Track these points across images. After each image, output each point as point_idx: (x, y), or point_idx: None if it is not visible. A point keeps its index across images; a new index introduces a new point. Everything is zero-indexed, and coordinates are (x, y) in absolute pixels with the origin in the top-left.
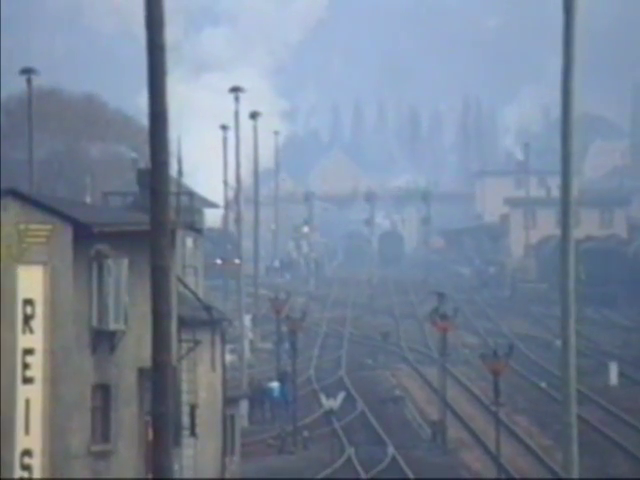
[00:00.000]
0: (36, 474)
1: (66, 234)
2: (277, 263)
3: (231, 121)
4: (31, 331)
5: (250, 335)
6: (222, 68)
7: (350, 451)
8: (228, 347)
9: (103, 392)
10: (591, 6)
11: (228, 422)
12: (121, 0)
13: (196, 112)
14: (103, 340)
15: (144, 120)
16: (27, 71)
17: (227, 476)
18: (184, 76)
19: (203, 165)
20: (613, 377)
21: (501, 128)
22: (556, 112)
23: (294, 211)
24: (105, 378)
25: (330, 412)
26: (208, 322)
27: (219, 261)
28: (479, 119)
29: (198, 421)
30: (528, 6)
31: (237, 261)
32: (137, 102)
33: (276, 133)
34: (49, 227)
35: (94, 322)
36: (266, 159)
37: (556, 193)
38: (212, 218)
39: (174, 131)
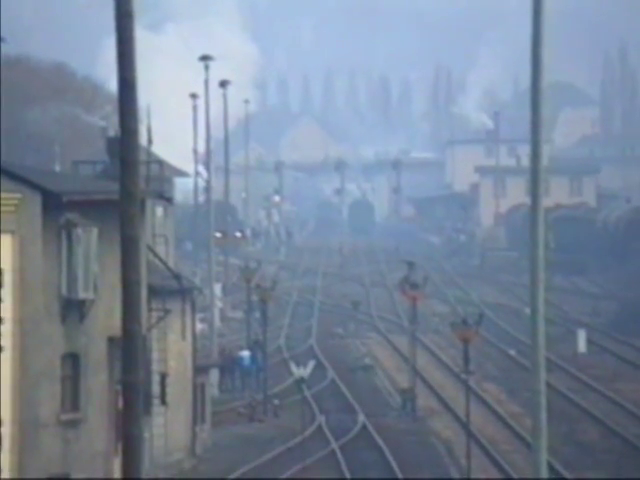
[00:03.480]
0: (5, 443)
1: (35, 203)
2: (248, 232)
3: (200, 74)
4: (0, 300)
5: (220, 304)
6: (191, 20)
7: (320, 419)
8: (198, 316)
9: (73, 361)
10: None
11: (198, 391)
12: None
13: (163, 74)
14: (72, 309)
15: (113, 88)
16: None
17: (198, 444)
18: (150, 24)
19: (172, 132)
20: (581, 344)
21: (469, 95)
22: (525, 81)
23: (264, 180)
24: (75, 347)
25: (300, 380)
26: (178, 291)
27: (218, 234)
28: (449, 87)
29: (168, 390)
30: None
31: (238, 234)
32: (98, 70)
33: (246, 102)
34: (18, 196)
35: (63, 291)
36: (236, 128)
37: (526, 162)
38: (182, 187)
39: (144, 98)
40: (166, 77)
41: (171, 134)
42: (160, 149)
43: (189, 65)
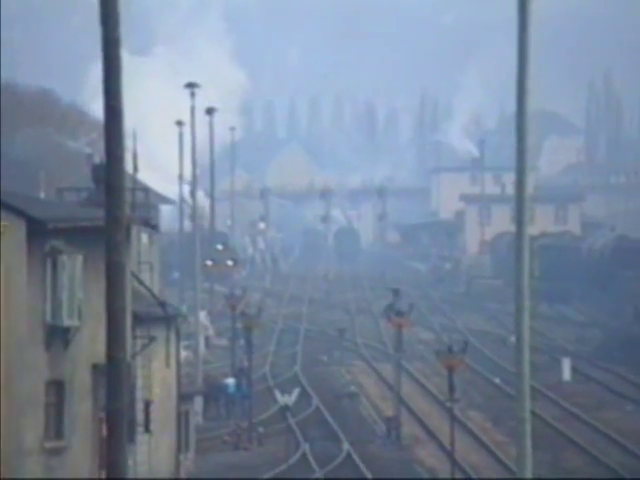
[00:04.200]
0: None
1: (20, 230)
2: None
3: (187, 99)
4: None
5: (211, 331)
6: (179, 43)
7: (305, 447)
8: (183, 343)
9: (57, 388)
10: (547, 4)
11: (183, 418)
12: None
13: (150, 98)
14: (57, 336)
15: (98, 114)
16: None
17: (182, 472)
18: (139, 47)
19: (158, 158)
20: (566, 373)
21: (454, 122)
22: (511, 106)
23: (250, 207)
24: (59, 374)
25: (285, 408)
26: (163, 318)
27: (209, 262)
28: (435, 114)
29: (152, 417)
30: (483, 2)
31: (230, 263)
32: (83, 95)
33: (232, 129)
34: (3, 223)
35: (48, 318)
36: (221, 154)
37: (511, 190)
38: (167, 214)
39: (130, 124)
40: (153, 101)
41: (157, 160)
42: (146, 175)
43: (176, 89)
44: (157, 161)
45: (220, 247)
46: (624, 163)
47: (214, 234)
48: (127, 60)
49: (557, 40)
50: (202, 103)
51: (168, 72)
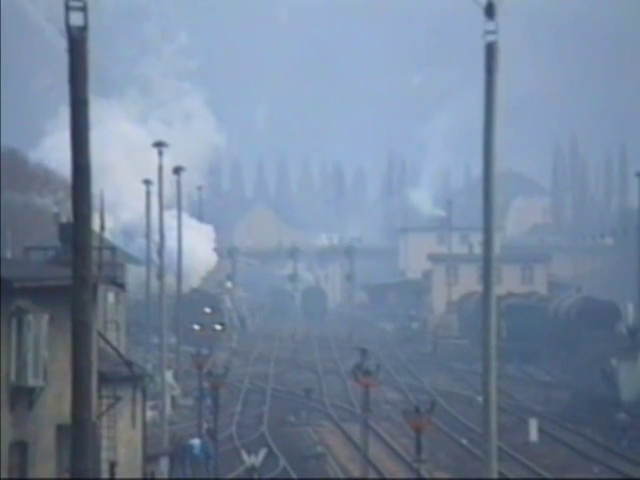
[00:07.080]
0: None
1: None
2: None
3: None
4: None
5: (178, 391)
6: (148, 89)
7: None
8: (149, 403)
9: (21, 449)
10: (513, 66)
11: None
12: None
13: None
14: (21, 396)
15: (65, 173)
16: None
17: None
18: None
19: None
20: (533, 434)
21: (422, 184)
22: (477, 168)
23: (217, 266)
24: (23, 435)
25: (252, 469)
26: (129, 378)
27: (196, 327)
28: (403, 175)
29: (118, 478)
30: (451, 64)
31: (218, 327)
32: (38, 154)
33: (199, 188)
34: None
35: (12, 378)
36: (188, 213)
37: (478, 249)
38: (134, 273)
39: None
40: (120, 146)
41: (123, 212)
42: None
43: (145, 138)
44: (123, 213)
45: (208, 310)
46: (590, 224)
47: (205, 297)
48: (94, 101)
49: (523, 103)
50: (171, 159)
51: (137, 116)
